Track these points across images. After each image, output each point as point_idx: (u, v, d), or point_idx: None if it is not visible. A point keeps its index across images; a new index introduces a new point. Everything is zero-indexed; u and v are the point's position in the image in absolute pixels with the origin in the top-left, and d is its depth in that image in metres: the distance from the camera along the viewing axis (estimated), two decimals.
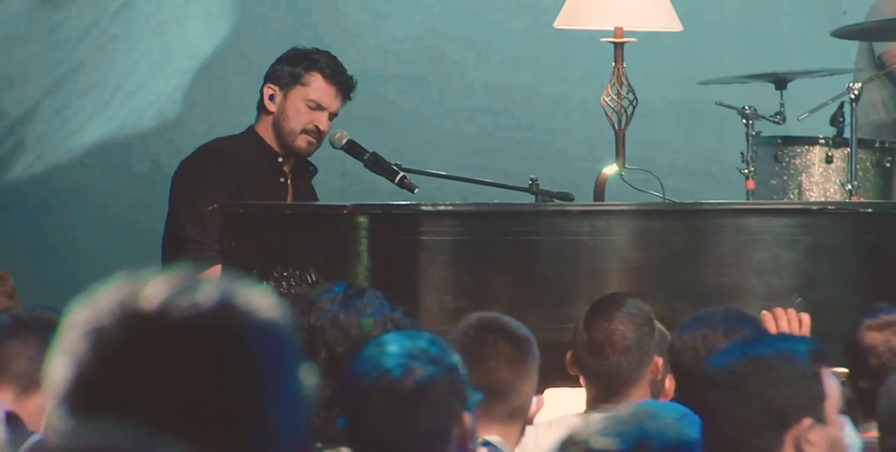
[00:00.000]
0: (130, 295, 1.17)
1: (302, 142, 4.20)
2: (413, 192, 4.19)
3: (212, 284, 1.18)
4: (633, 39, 4.14)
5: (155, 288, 1.17)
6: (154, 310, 1.16)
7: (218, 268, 3.77)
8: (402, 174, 4.20)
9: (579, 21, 4.22)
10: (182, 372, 1.14)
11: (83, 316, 1.17)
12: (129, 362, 1.15)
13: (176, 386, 1.14)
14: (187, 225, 4.08)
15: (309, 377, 1.22)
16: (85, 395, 1.15)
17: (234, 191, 4.10)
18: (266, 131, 4.25)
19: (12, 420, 2.42)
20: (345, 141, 4.25)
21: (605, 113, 4.14)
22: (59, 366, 1.16)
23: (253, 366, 1.16)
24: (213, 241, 3.89)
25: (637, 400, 3.02)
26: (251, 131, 4.30)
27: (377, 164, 4.22)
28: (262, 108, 4.26)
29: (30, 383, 2.48)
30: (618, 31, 4.12)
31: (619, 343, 3.01)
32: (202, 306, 1.16)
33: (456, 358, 2.21)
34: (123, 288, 1.17)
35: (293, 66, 4.23)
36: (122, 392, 1.14)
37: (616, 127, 4.13)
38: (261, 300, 1.19)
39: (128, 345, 1.15)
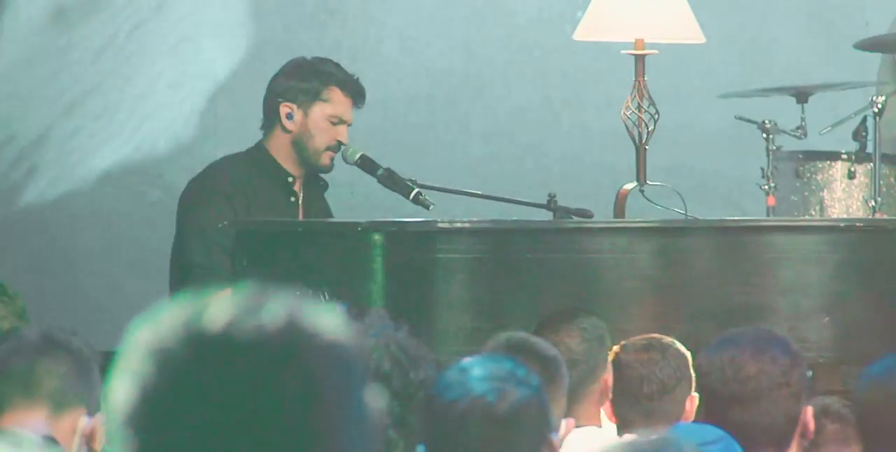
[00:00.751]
0: (195, 315, 1.17)
1: (326, 159, 4.14)
2: (428, 209, 4.10)
3: (279, 304, 1.17)
4: (655, 51, 4.05)
5: (220, 309, 1.17)
6: (219, 331, 1.16)
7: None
8: (416, 190, 4.11)
9: (600, 33, 4.14)
10: (247, 394, 1.14)
11: (147, 337, 1.17)
12: (194, 383, 1.15)
13: (240, 408, 1.14)
14: (192, 249, 4.00)
15: (376, 399, 1.22)
16: (150, 416, 1.15)
17: (242, 214, 4.01)
18: (280, 150, 4.13)
19: (49, 443, 2.36)
20: (358, 156, 4.16)
21: (626, 128, 4.04)
22: (122, 387, 1.16)
23: (318, 388, 1.16)
24: (219, 267, 3.82)
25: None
26: (260, 149, 4.18)
27: (391, 180, 4.14)
28: (276, 127, 4.14)
29: (63, 402, 2.42)
30: (639, 43, 4.03)
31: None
32: (268, 327, 1.16)
33: (538, 380, 2.16)
34: (188, 308, 1.18)
35: (306, 81, 4.12)
36: (187, 413, 1.14)
37: (637, 142, 4.04)
38: (328, 321, 1.18)
39: (193, 366, 1.15)
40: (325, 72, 4.12)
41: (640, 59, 4.05)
